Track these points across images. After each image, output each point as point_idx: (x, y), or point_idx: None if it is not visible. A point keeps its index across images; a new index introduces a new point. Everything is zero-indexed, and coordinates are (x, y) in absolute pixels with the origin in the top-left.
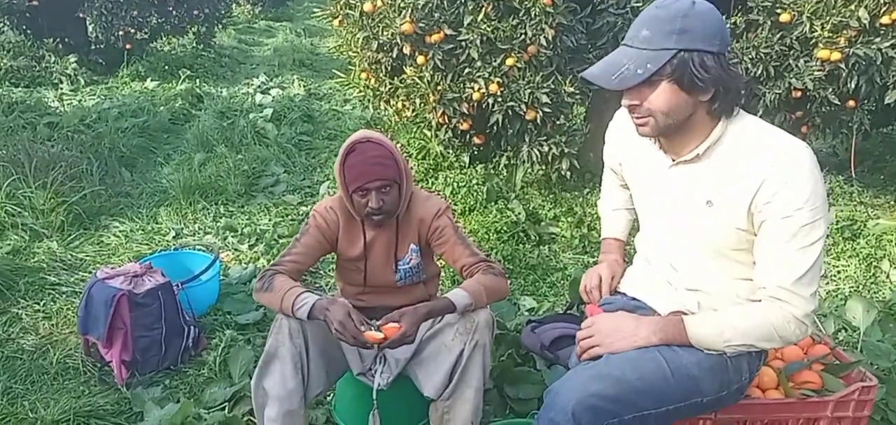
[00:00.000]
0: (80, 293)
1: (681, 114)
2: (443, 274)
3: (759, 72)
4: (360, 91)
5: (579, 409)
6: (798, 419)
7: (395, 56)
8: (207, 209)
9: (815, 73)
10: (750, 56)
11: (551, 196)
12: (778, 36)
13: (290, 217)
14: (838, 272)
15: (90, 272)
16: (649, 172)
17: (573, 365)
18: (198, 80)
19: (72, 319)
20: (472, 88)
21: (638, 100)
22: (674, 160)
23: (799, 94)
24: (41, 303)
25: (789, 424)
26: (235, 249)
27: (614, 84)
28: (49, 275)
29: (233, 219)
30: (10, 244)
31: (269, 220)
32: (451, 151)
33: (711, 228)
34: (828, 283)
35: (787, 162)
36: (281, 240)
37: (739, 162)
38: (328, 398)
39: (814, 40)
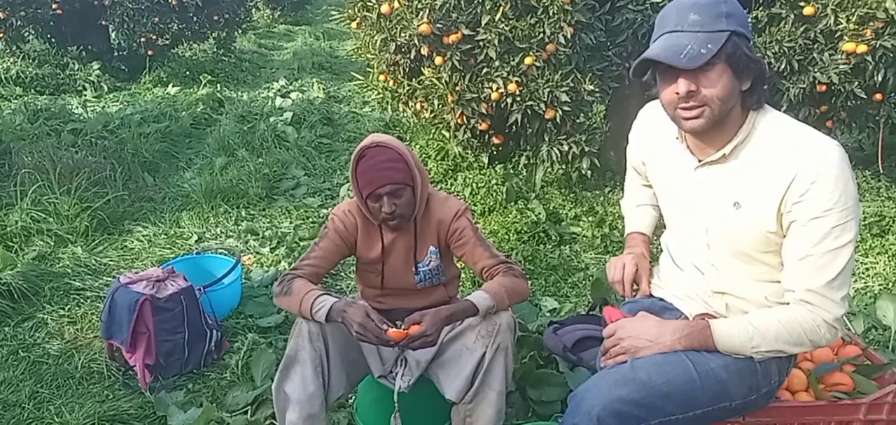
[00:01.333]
0: (105, 298)
1: (730, 103)
2: (462, 276)
3: (783, 66)
4: (379, 93)
5: (605, 414)
6: (829, 422)
7: (412, 57)
8: (229, 213)
9: (841, 66)
10: (773, 50)
11: (571, 195)
12: (802, 29)
13: (310, 220)
14: (867, 269)
15: (114, 277)
16: (674, 174)
17: (598, 368)
18: (218, 85)
19: (96, 324)
20: (491, 88)
21: (695, 85)
22: (700, 161)
23: (823, 88)
24: (66, 308)
25: None
26: (257, 252)
27: (683, 62)
28: (74, 280)
29: (254, 222)
30: (35, 250)
31: (290, 223)
32: (469, 152)
33: (739, 231)
34: (856, 281)
35: (817, 161)
36: (302, 243)
37: (767, 162)
38: (350, 401)
39: (839, 33)
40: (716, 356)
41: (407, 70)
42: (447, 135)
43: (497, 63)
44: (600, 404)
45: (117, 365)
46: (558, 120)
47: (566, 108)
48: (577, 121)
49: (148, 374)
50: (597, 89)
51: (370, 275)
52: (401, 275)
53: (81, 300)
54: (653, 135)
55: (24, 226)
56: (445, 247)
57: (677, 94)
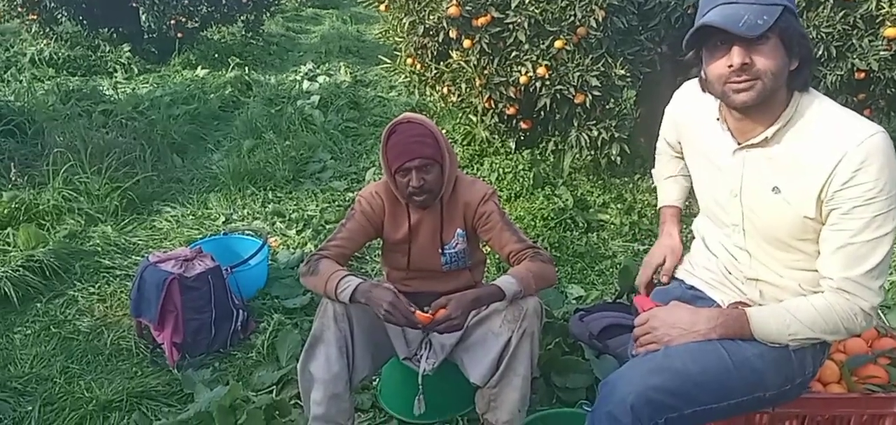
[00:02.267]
0: (134, 276)
1: (780, 80)
2: (487, 261)
3: (820, 52)
4: (406, 77)
5: (639, 403)
6: (862, 415)
7: (441, 40)
8: (256, 195)
9: (881, 52)
10: (810, 36)
11: (600, 182)
12: (841, 14)
13: (336, 203)
14: None
15: (143, 256)
16: (711, 156)
17: (629, 356)
18: (246, 68)
19: (125, 302)
20: (520, 72)
21: (749, 58)
22: (740, 143)
23: (862, 75)
24: (96, 286)
25: (852, 421)
26: (283, 234)
27: (741, 30)
28: (104, 258)
29: (281, 204)
30: (66, 228)
31: (317, 206)
32: (496, 137)
33: (777, 216)
34: (892, 274)
35: (863, 148)
36: (328, 226)
37: (810, 146)
38: (374, 383)
39: (880, 18)
40: (751, 345)
41: (435, 53)
42: (474, 119)
43: (526, 46)
44: (634, 392)
45: (145, 343)
46: (588, 105)
47: (596, 93)
48: (607, 106)
49: (176, 352)
50: (628, 74)
51: (396, 256)
52: (427, 257)
53: (111, 278)
54: (691, 114)
55: (55, 205)
56: (472, 230)
57: (730, 66)
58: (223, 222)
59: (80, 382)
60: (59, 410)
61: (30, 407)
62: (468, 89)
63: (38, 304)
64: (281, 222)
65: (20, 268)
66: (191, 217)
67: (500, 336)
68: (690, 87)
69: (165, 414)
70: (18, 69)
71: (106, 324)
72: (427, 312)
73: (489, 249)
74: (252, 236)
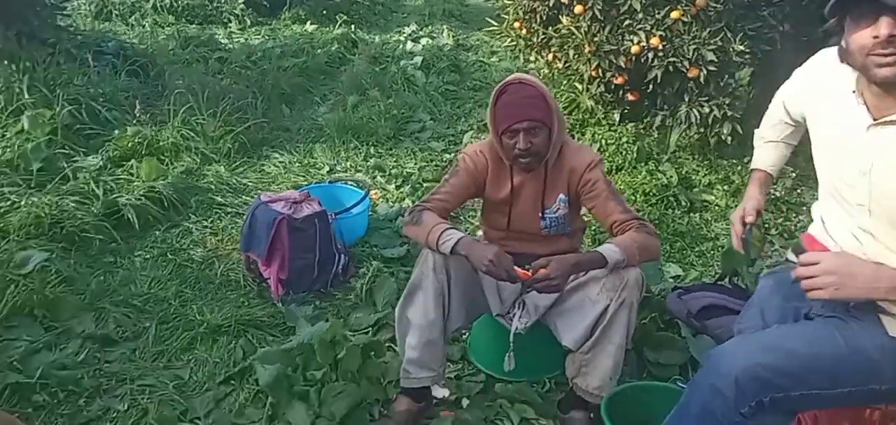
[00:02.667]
0: (243, 215)
1: None
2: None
3: None
4: (512, 41)
5: (744, 378)
6: None
7: (551, 5)
8: (359, 149)
9: None
10: None
11: (706, 162)
12: None
13: (434, 163)
14: None
15: (252, 196)
16: (841, 129)
17: (735, 333)
18: (353, 26)
19: (235, 237)
20: (632, 41)
21: None
22: (875, 119)
23: None
24: (209, 220)
25: None
26: (383, 188)
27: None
28: (216, 195)
29: (382, 159)
30: (184, 165)
31: (415, 164)
32: (601, 107)
33: None
34: None
35: None
36: (425, 184)
37: None
38: (464, 336)
39: None
40: (868, 334)
41: (544, 18)
42: (579, 87)
43: (641, 15)
44: (741, 366)
45: (252, 277)
46: (702, 80)
47: (711, 68)
48: (722, 82)
49: (280, 288)
50: (747, 50)
51: (496, 216)
52: (527, 220)
53: (222, 214)
54: (824, 84)
55: (174, 143)
56: (575, 196)
57: (876, 37)
58: (327, 172)
59: (192, 306)
60: (173, 329)
61: (148, 324)
62: (576, 56)
63: (157, 232)
64: (381, 176)
65: (142, 198)
66: (297, 164)
67: (597, 303)
68: (827, 56)
69: (269, 343)
70: (141, 15)
71: (217, 256)
72: (527, 270)
73: (589, 218)
74: (355, 187)
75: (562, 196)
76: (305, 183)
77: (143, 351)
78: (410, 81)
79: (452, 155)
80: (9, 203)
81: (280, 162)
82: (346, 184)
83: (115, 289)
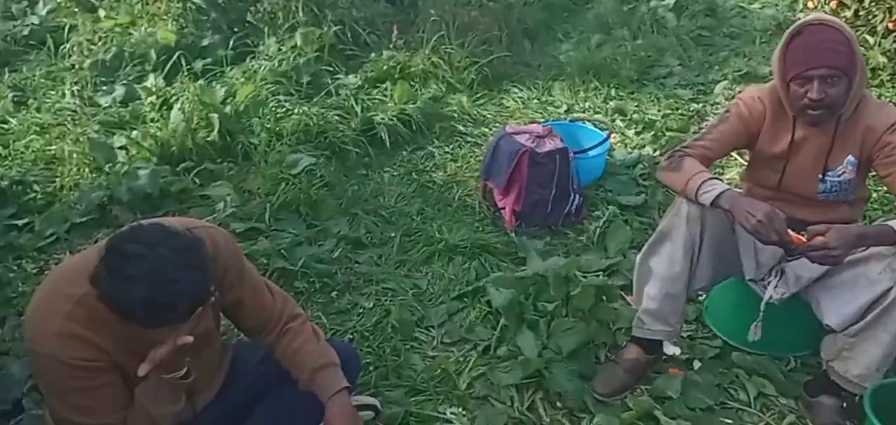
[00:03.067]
0: (481, 145)
1: None
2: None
3: None
4: None
5: None
6: None
7: None
8: (599, 90)
9: None
10: None
11: None
12: None
13: (679, 111)
14: None
15: (490, 128)
16: None
17: None
18: None
19: (473, 165)
20: None
21: None
22: None
23: None
24: (450, 147)
25: None
26: (622, 134)
27: None
28: (458, 124)
29: (623, 103)
30: (430, 92)
31: (658, 111)
32: (893, 64)
33: None
34: None
35: None
36: (668, 134)
37: None
38: (701, 297)
39: None
40: None
41: None
42: (870, 40)
43: None
44: None
45: (488, 204)
46: None
47: None
48: None
49: (514, 219)
50: None
51: (766, 172)
52: (803, 180)
53: (462, 142)
54: None
55: (423, 69)
56: (866, 160)
57: None
58: (565, 111)
59: (432, 224)
60: (414, 242)
61: (393, 234)
62: (872, 3)
63: (404, 152)
64: (621, 120)
65: (394, 119)
66: (535, 101)
67: (877, 284)
68: None
69: (501, 269)
70: None
71: (456, 181)
72: (802, 236)
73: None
74: (595, 127)
75: (850, 158)
76: (542, 119)
77: (388, 257)
78: (660, 23)
79: (701, 105)
80: (284, 110)
81: (519, 97)
82: (585, 124)
83: (366, 199)
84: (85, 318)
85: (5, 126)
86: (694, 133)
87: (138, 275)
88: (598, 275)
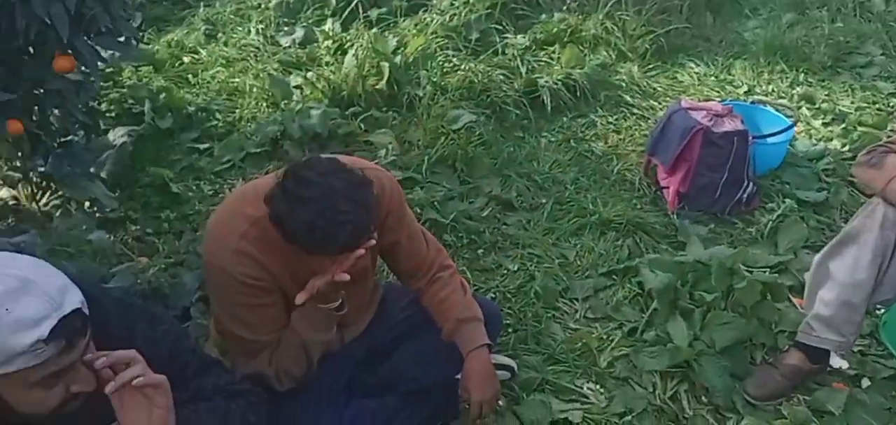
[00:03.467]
0: (647, 118)
1: None
2: None
3: None
4: None
5: None
6: None
7: None
8: (786, 73)
9: None
10: None
11: None
12: None
13: (877, 105)
14: None
15: (659, 102)
16: None
17: None
18: None
19: (637, 139)
20: None
21: None
22: None
23: None
24: (614, 118)
25: None
26: (808, 123)
27: None
28: (625, 94)
29: (812, 90)
30: (600, 58)
31: (852, 103)
32: None
33: None
34: None
35: None
36: (860, 129)
37: None
38: (880, 310)
39: None
40: None
41: None
42: None
43: None
44: None
45: (649, 182)
46: None
47: None
48: None
49: (677, 200)
50: None
51: None
52: None
53: (628, 114)
54: None
55: (595, 34)
56: None
57: None
58: (745, 92)
59: (586, 195)
60: (566, 211)
61: (544, 200)
62: None
63: (565, 118)
64: (808, 109)
65: (558, 83)
66: (712, 78)
67: None
68: None
69: (658, 251)
70: None
71: (617, 153)
72: None
73: None
74: (778, 113)
75: None
76: (717, 97)
77: (537, 223)
78: (864, 6)
79: None
80: (451, 65)
81: (695, 72)
82: (767, 107)
83: (521, 161)
84: (258, 240)
85: (196, 56)
86: (892, 131)
87: (308, 200)
88: (765, 271)
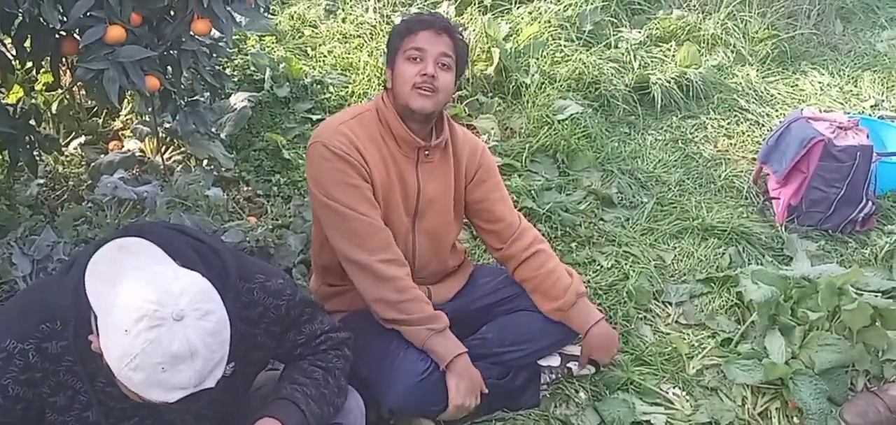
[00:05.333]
0: (762, 124)
1: None
2: None
3: None
4: None
5: None
6: None
7: None
8: None
9: None
10: None
11: None
12: None
13: None
14: None
15: (777, 109)
16: None
17: None
18: None
19: (749, 146)
20: None
21: None
22: None
23: None
24: (726, 121)
25: None
26: None
27: None
28: (740, 98)
29: None
30: (717, 59)
31: None
32: None
33: None
34: None
35: None
36: None
37: None
38: None
39: None
40: None
41: None
42: None
43: None
44: None
45: (758, 191)
46: None
47: None
48: None
49: (787, 212)
50: None
51: None
52: None
53: (742, 119)
54: None
55: (714, 34)
56: None
57: None
58: (871, 106)
59: (690, 198)
60: (666, 213)
61: (645, 200)
62: None
63: (674, 118)
64: None
65: (671, 81)
66: (836, 89)
67: None
68: None
69: (761, 263)
70: None
71: (725, 159)
72: None
73: None
74: None
75: None
76: (840, 109)
77: (635, 222)
78: None
79: None
80: (562, 55)
81: (818, 81)
82: (894, 123)
83: (624, 158)
84: (358, 129)
85: (315, 30)
86: None
87: None
88: (877, 295)
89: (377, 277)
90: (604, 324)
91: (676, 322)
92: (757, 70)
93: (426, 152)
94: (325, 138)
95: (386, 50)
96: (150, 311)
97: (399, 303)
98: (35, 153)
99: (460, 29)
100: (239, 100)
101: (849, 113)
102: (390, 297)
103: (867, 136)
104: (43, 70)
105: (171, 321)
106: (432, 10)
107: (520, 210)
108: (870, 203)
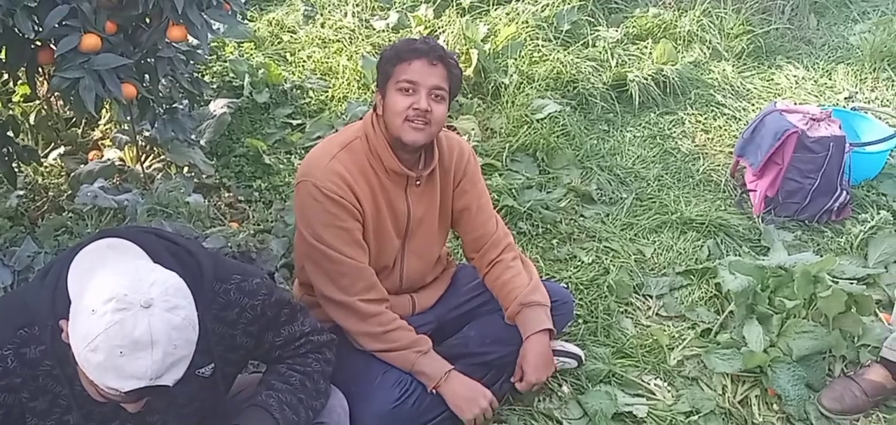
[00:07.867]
0: (739, 118)
1: None
2: None
3: None
4: None
5: None
6: None
7: None
8: (892, 81)
9: None
10: None
11: None
12: None
13: None
14: None
15: (752, 103)
16: None
17: None
18: None
19: (725, 140)
20: None
21: None
22: None
23: None
24: (703, 116)
25: None
26: None
27: None
28: (717, 93)
29: None
30: (693, 55)
31: None
32: None
33: None
34: None
35: None
36: None
37: None
38: None
39: None
40: None
41: None
42: None
43: None
44: None
45: (735, 184)
46: None
47: None
48: None
49: (763, 204)
50: None
51: None
52: None
53: (718, 114)
54: None
55: (690, 31)
56: None
57: None
58: (845, 98)
59: (669, 193)
60: (646, 208)
61: (624, 196)
62: None
63: (652, 114)
64: None
65: (648, 78)
66: (810, 82)
67: None
68: None
69: (739, 254)
70: None
71: (703, 153)
72: None
73: None
74: (879, 121)
75: None
76: (815, 102)
77: (615, 218)
78: None
79: None
80: (539, 55)
81: (793, 75)
82: (867, 114)
83: (603, 155)
84: (348, 162)
85: (294, 36)
86: None
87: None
88: (851, 283)
89: (360, 315)
90: (542, 341)
91: (657, 314)
92: (733, 65)
93: (417, 182)
94: (318, 179)
95: (376, 72)
96: (120, 295)
97: (383, 335)
98: (14, 164)
99: (454, 56)
100: (218, 106)
101: (823, 105)
102: (374, 330)
103: (840, 127)
104: (19, 81)
105: (138, 307)
106: (412, 15)
107: (501, 209)
108: (844, 192)
